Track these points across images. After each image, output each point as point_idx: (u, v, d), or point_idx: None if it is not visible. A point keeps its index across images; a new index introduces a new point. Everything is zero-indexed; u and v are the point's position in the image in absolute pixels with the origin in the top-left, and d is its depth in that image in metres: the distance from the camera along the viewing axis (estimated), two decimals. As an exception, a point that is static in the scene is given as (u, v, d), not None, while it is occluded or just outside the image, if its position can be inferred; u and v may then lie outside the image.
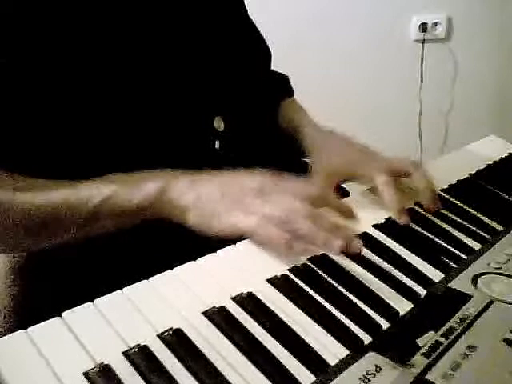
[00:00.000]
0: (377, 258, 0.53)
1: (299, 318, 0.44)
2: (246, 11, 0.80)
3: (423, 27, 1.86)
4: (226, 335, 0.41)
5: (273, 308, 0.44)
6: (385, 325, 0.44)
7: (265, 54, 0.81)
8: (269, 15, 1.58)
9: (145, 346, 0.39)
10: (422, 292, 0.49)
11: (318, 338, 0.42)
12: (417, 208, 0.63)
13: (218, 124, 0.67)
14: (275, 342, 0.41)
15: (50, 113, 0.57)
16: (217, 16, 0.71)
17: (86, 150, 0.59)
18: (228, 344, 0.40)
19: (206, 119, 0.66)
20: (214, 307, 0.43)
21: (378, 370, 0.38)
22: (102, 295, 0.43)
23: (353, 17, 1.83)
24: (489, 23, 1.91)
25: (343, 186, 0.75)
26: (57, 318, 0.40)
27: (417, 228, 0.59)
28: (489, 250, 0.55)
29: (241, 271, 0.49)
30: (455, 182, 0.71)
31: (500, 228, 0.61)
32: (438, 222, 0.61)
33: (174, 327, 0.41)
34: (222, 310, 0.43)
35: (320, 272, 0.50)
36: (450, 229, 0.60)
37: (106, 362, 0.37)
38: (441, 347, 0.40)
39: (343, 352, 0.41)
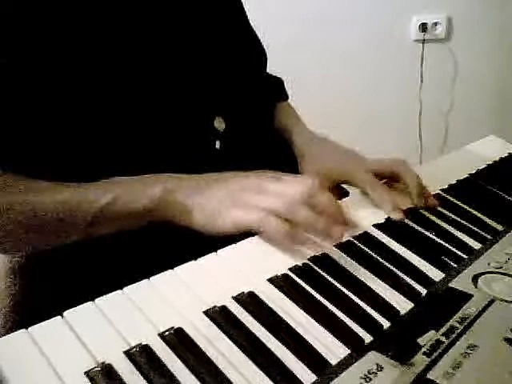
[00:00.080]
0: (377, 257, 0.53)
1: (300, 317, 0.44)
2: (245, 13, 0.80)
3: (423, 27, 1.87)
4: (227, 334, 0.41)
5: (274, 307, 0.44)
6: (386, 324, 0.44)
7: (261, 57, 0.81)
8: (269, 15, 1.58)
9: (146, 346, 0.39)
10: (423, 291, 0.49)
11: (319, 338, 0.42)
12: (417, 208, 0.63)
13: (219, 124, 0.67)
14: (276, 341, 0.41)
15: (51, 114, 0.57)
16: (216, 18, 0.71)
17: (87, 151, 0.59)
18: (229, 343, 0.40)
19: (206, 119, 0.66)
20: (214, 306, 0.43)
21: (379, 369, 0.38)
22: (103, 295, 0.43)
23: (353, 17, 1.84)
24: (489, 23, 1.91)
25: (343, 186, 0.75)
26: (58, 318, 0.40)
27: (417, 228, 0.59)
28: (489, 250, 0.55)
29: (242, 271, 0.49)
30: (455, 181, 0.71)
31: (500, 228, 0.61)
32: (439, 221, 0.61)
33: (175, 326, 0.41)
34: (223, 309, 0.43)
35: (321, 271, 0.50)
36: (450, 228, 0.60)
37: (107, 362, 0.37)
38: (442, 346, 0.40)
39: (344, 351, 0.41)
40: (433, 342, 0.41)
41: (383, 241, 0.56)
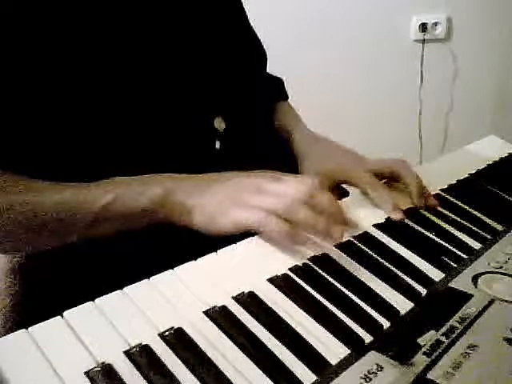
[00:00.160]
0: (377, 257, 0.53)
1: (300, 317, 0.44)
2: (245, 14, 0.80)
3: (423, 27, 1.87)
4: (227, 334, 0.41)
5: (274, 307, 0.44)
6: (386, 324, 0.44)
7: (261, 57, 0.81)
8: (269, 15, 1.58)
9: (146, 346, 0.39)
10: (423, 291, 0.49)
11: (319, 338, 0.42)
12: (417, 208, 0.63)
13: (219, 124, 0.67)
14: (276, 341, 0.41)
15: (50, 114, 0.57)
16: (216, 18, 0.71)
17: (87, 150, 0.59)
18: (229, 343, 0.40)
19: (206, 120, 0.66)
20: (214, 306, 0.43)
21: (379, 369, 0.38)
22: (103, 295, 0.43)
23: (353, 17, 1.83)
24: (489, 23, 1.91)
25: (343, 186, 0.75)
26: (58, 318, 0.40)
27: (417, 228, 0.59)
28: (489, 250, 0.55)
29: (241, 270, 0.49)
30: (455, 182, 0.71)
31: (500, 227, 0.61)
32: (439, 221, 0.61)
33: (175, 326, 0.41)
34: (223, 309, 0.43)
35: (321, 271, 0.50)
36: (450, 228, 0.60)
37: (107, 362, 0.37)
38: (442, 346, 0.40)
39: (344, 351, 0.41)
40: (433, 342, 0.41)
41: (383, 241, 0.56)
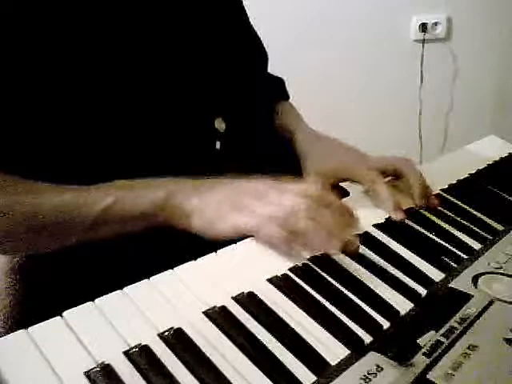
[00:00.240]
0: (377, 257, 0.53)
1: (300, 317, 0.44)
2: (246, 14, 0.80)
3: (423, 27, 1.86)
4: (227, 335, 0.41)
5: (273, 308, 0.44)
6: (385, 324, 0.44)
7: (262, 57, 0.81)
8: (269, 15, 1.58)
9: (145, 346, 0.39)
10: (423, 292, 0.49)
11: (319, 338, 0.42)
12: (417, 208, 0.63)
13: (219, 125, 0.67)
14: (276, 341, 0.41)
15: (50, 115, 0.57)
16: (216, 19, 0.71)
17: (88, 152, 0.59)
18: (229, 344, 0.40)
19: (207, 120, 0.66)
20: (214, 307, 0.43)
21: (378, 369, 0.38)
22: (103, 295, 0.43)
23: (353, 17, 1.83)
24: (489, 23, 1.91)
25: (343, 186, 0.75)
26: (57, 318, 0.40)
27: (417, 228, 0.59)
28: (489, 250, 0.55)
29: (241, 271, 0.49)
30: (455, 182, 0.71)
31: (500, 228, 0.61)
32: (439, 221, 0.61)
33: (175, 327, 0.41)
34: (223, 309, 0.43)
35: (320, 272, 0.50)
36: (450, 228, 0.60)
37: (106, 362, 0.37)
38: (442, 347, 0.40)
39: (344, 352, 0.41)
40: (433, 343, 0.41)
41: (383, 241, 0.56)
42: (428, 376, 0.38)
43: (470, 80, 1.96)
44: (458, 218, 0.62)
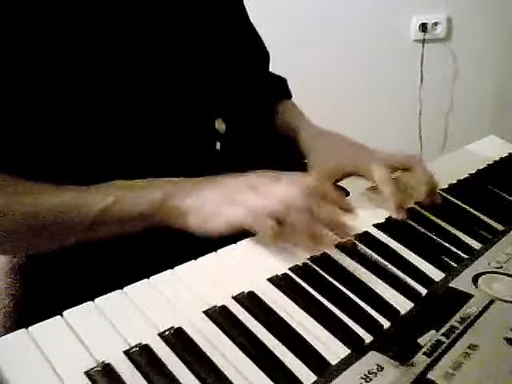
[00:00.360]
0: (378, 257, 0.53)
1: (300, 317, 0.44)
2: (246, 13, 0.80)
3: (423, 27, 1.86)
4: (227, 334, 0.41)
5: (274, 307, 0.44)
6: (386, 324, 0.44)
7: (264, 56, 0.81)
8: (269, 15, 1.58)
9: (146, 345, 0.39)
10: (423, 291, 0.49)
11: (319, 337, 0.42)
12: (417, 208, 0.63)
13: (220, 126, 0.67)
14: (276, 340, 0.41)
15: (50, 115, 0.57)
16: (217, 19, 0.71)
17: (88, 153, 0.59)
18: (229, 343, 0.40)
19: (207, 121, 0.66)
20: (214, 306, 0.43)
21: (379, 369, 0.38)
22: (103, 295, 0.43)
23: (353, 17, 1.83)
24: (489, 23, 1.91)
25: (343, 186, 0.75)
26: (58, 317, 0.40)
27: (418, 227, 0.59)
28: (489, 250, 0.55)
29: (241, 270, 0.49)
30: (455, 182, 0.71)
31: (500, 227, 0.61)
32: (439, 221, 0.61)
33: (175, 326, 0.41)
34: (223, 308, 0.43)
35: (321, 271, 0.50)
36: (450, 228, 0.60)
37: (107, 361, 0.37)
38: (442, 346, 0.40)
39: (344, 351, 0.41)
40: (433, 342, 0.41)
41: (383, 241, 0.56)
42: (428, 375, 0.38)
43: (469, 80, 1.96)
44: (458, 218, 0.62)
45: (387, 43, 1.89)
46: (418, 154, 0.66)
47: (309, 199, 0.52)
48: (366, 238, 0.56)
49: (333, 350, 0.41)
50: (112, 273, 0.53)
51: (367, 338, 0.42)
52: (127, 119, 0.60)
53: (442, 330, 0.42)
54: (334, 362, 0.40)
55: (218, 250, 0.51)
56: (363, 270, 0.51)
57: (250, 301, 0.45)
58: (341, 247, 0.53)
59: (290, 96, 0.87)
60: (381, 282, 0.49)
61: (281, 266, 0.50)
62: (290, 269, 0.49)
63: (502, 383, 0.38)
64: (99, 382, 0.36)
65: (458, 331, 0.42)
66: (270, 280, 0.48)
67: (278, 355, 0.39)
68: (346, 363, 0.39)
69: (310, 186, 0.53)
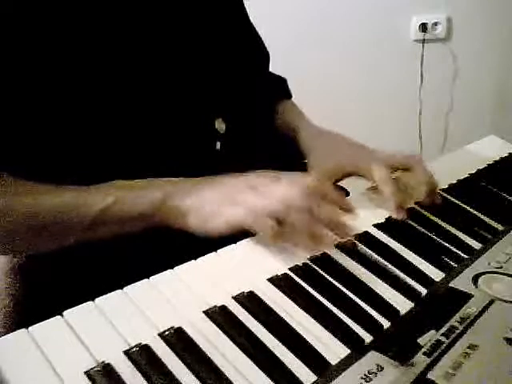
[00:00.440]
0: (378, 257, 0.53)
1: (300, 317, 0.44)
2: (246, 13, 0.80)
3: (423, 27, 1.86)
4: (227, 334, 0.41)
5: (274, 307, 0.44)
6: (386, 324, 0.44)
7: (263, 56, 0.81)
8: (269, 15, 1.58)
9: (146, 345, 0.39)
10: (423, 291, 0.49)
11: (319, 337, 0.42)
12: (417, 207, 0.63)
13: (219, 126, 0.67)
14: (276, 340, 0.41)
15: (50, 115, 0.57)
16: (217, 19, 0.71)
17: (88, 153, 0.59)
18: (229, 343, 0.40)
19: (207, 121, 0.66)
20: (215, 306, 0.43)
21: (379, 369, 0.38)
22: (103, 294, 0.43)
23: (353, 17, 1.83)
24: (489, 23, 1.91)
25: (343, 186, 0.75)
26: (58, 317, 0.40)
27: (418, 227, 0.59)
28: (489, 250, 0.55)
29: (241, 270, 0.49)
30: (455, 181, 0.71)
31: (500, 227, 0.61)
32: (439, 221, 0.61)
33: (175, 326, 0.41)
34: (223, 308, 0.43)
35: (321, 271, 0.50)
36: (450, 228, 0.60)
37: (107, 361, 0.37)
38: (442, 346, 0.40)
39: (344, 351, 0.41)
40: (433, 342, 0.41)
41: (383, 241, 0.56)
42: (428, 375, 0.38)
43: (470, 80, 1.96)
44: (458, 218, 0.62)
45: (387, 43, 1.89)
46: (418, 154, 0.66)
47: (309, 199, 0.52)
48: (366, 237, 0.56)
49: (333, 349, 0.41)
50: (112, 273, 0.53)
51: (367, 337, 0.42)
52: (127, 119, 0.60)
53: (442, 330, 0.42)
54: (333, 362, 0.40)
55: (218, 250, 0.51)
56: (363, 269, 0.51)
57: (249, 301, 0.45)
58: (341, 247, 0.53)
59: (290, 96, 0.87)
60: (381, 282, 0.49)
61: (281, 266, 0.50)
62: (290, 269, 0.49)
63: (502, 383, 0.38)
64: (99, 382, 0.36)
65: (458, 331, 0.42)
66: (270, 280, 0.48)
67: (278, 355, 0.39)
68: (346, 363, 0.39)
69: (309, 186, 0.53)
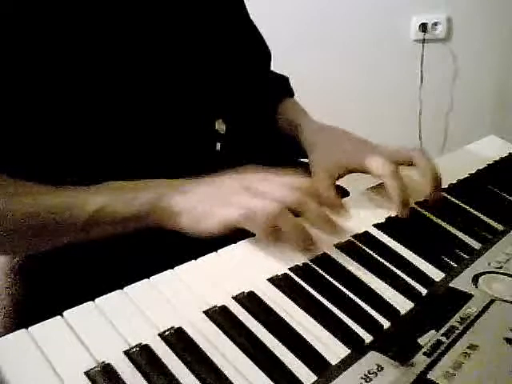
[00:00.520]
0: (378, 257, 0.53)
1: (300, 317, 0.44)
2: (247, 13, 0.80)
3: (423, 27, 1.87)
4: (227, 334, 0.41)
5: (274, 307, 0.44)
6: (386, 324, 0.44)
7: (265, 55, 0.81)
8: (269, 15, 1.58)
9: (146, 345, 0.39)
10: (423, 291, 0.49)
11: (319, 337, 0.42)
12: (417, 208, 0.63)
13: (220, 126, 0.67)
14: (276, 341, 0.41)
15: (50, 115, 0.57)
16: (218, 19, 0.71)
17: (88, 154, 0.59)
18: (229, 343, 0.40)
19: (207, 122, 0.66)
20: (215, 306, 0.43)
21: (379, 369, 0.38)
22: (103, 294, 0.43)
23: (353, 17, 1.84)
24: (489, 23, 1.91)
25: (343, 186, 0.75)
26: (58, 317, 0.40)
27: (418, 227, 0.59)
28: (489, 250, 0.55)
29: (242, 270, 0.49)
30: (455, 181, 0.71)
31: (500, 227, 0.61)
32: (439, 221, 0.61)
33: (175, 326, 0.41)
34: (223, 309, 0.43)
35: (321, 271, 0.50)
36: (450, 228, 0.60)
37: (107, 361, 0.37)
38: (442, 346, 0.40)
39: (344, 351, 0.41)
40: (433, 342, 0.41)
41: (383, 241, 0.56)
42: (428, 375, 0.38)
43: (470, 80, 1.97)
44: (458, 218, 0.62)
45: (387, 43, 1.89)
46: (422, 148, 0.65)
47: (301, 199, 0.52)
48: (366, 237, 0.56)
49: (333, 349, 0.41)
50: (112, 273, 0.53)
51: (367, 337, 0.42)
52: (127, 120, 0.60)
53: (442, 330, 0.42)
54: (334, 362, 0.40)
55: (218, 250, 0.51)
56: (363, 269, 0.50)
57: (249, 301, 0.44)
58: (341, 247, 0.53)
59: (292, 94, 0.86)
60: (381, 282, 0.49)
61: (281, 266, 0.50)
62: (290, 269, 0.49)
63: (502, 383, 0.38)
64: (99, 382, 0.36)
65: (458, 331, 0.42)
66: (270, 280, 0.48)
67: (278, 355, 0.39)
68: (345, 363, 0.39)
69: (303, 187, 0.53)
